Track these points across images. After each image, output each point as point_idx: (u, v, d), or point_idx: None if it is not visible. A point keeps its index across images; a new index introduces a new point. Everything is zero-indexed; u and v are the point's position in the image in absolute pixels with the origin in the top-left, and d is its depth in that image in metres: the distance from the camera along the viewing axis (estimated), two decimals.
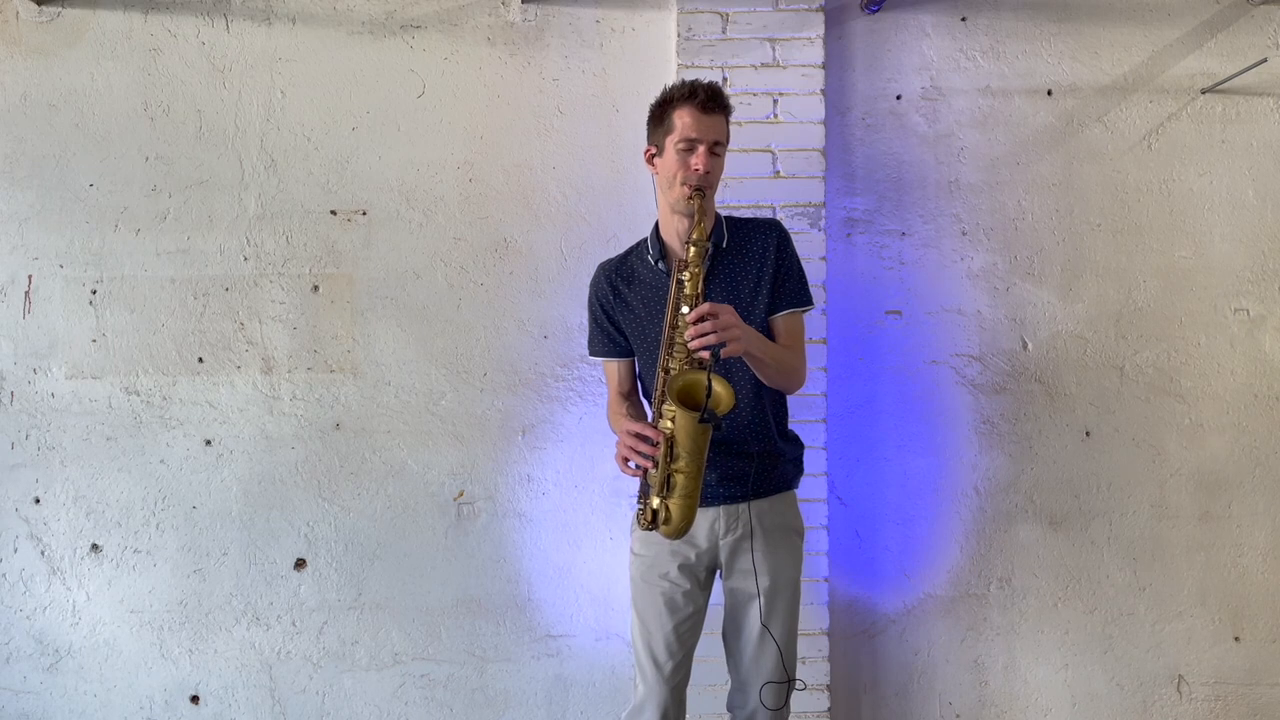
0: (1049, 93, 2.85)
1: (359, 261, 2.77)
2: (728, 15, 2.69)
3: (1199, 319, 2.84)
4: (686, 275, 1.94)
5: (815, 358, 2.67)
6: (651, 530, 1.98)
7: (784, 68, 2.69)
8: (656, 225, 2.16)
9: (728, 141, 2.05)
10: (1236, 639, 2.86)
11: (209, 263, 2.76)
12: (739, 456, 2.08)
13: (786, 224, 2.68)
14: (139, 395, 2.75)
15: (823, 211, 2.70)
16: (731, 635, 2.17)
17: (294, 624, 2.78)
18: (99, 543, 2.76)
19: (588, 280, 2.80)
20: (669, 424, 1.91)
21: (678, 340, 1.94)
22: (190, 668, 2.78)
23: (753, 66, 2.69)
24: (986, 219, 2.83)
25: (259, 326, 2.77)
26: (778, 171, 2.70)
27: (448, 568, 2.79)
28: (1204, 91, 2.84)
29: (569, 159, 2.78)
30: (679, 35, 2.70)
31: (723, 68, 2.69)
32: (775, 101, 2.70)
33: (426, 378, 2.78)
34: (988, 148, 2.84)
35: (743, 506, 2.09)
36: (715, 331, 1.84)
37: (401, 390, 2.78)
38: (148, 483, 2.76)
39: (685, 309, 1.92)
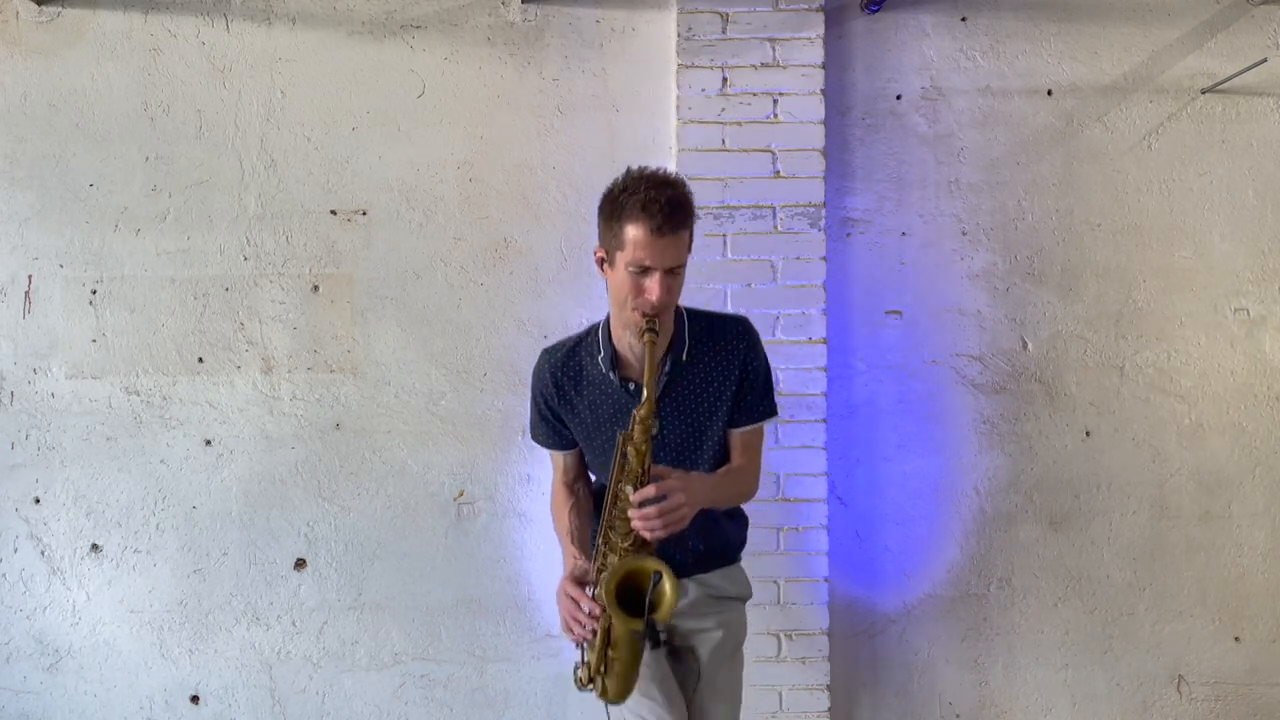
0: (1049, 93, 2.84)
1: (359, 261, 2.77)
2: (728, 15, 2.69)
3: (1199, 319, 2.84)
4: (631, 451, 1.74)
5: (815, 358, 2.68)
6: (588, 689, 1.88)
7: (784, 68, 2.69)
8: (608, 323, 1.95)
9: (690, 250, 1.81)
10: (1236, 639, 2.86)
11: (209, 263, 2.76)
12: (678, 546, 1.91)
13: (786, 224, 2.69)
14: (139, 395, 2.75)
15: (822, 211, 2.70)
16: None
17: (294, 624, 2.78)
18: (99, 543, 2.76)
19: (588, 280, 2.80)
20: (605, 617, 1.78)
21: (618, 518, 1.77)
22: (190, 668, 2.78)
23: (753, 66, 2.69)
24: (986, 219, 2.83)
25: (259, 326, 2.77)
26: (777, 171, 2.70)
27: (448, 568, 2.79)
28: (1204, 91, 2.84)
29: (569, 159, 2.78)
30: (679, 35, 2.69)
31: (723, 68, 2.69)
32: (775, 101, 2.70)
33: (426, 378, 2.78)
34: (988, 148, 2.84)
35: (686, 581, 1.95)
36: (661, 516, 1.68)
37: (401, 390, 2.78)
38: (148, 483, 2.76)
39: (629, 487, 1.74)
